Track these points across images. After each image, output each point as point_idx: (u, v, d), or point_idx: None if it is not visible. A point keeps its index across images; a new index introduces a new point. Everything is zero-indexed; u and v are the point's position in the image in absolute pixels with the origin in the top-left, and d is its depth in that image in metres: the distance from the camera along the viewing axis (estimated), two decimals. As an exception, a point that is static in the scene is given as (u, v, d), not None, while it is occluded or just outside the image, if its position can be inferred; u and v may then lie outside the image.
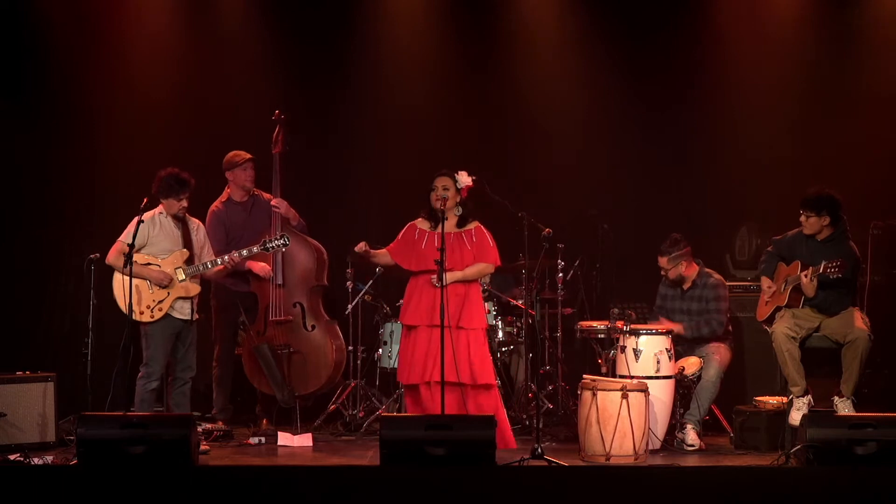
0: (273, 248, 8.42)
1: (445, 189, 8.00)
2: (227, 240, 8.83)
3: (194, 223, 8.48)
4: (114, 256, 8.23)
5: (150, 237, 8.25)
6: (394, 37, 10.26)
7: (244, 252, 8.44)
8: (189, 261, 8.31)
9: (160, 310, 8.21)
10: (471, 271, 8.00)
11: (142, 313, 8.17)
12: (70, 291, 9.17)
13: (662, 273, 8.73)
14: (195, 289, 8.33)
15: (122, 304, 8.21)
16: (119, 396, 8.08)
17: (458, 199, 8.03)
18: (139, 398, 8.21)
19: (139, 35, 10.01)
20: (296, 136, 9.11)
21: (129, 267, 7.88)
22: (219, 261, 8.36)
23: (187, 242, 8.36)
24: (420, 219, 8.13)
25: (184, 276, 8.26)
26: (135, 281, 8.04)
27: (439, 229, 7.92)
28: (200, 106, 9.99)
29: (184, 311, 8.29)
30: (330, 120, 10.22)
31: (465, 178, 8.02)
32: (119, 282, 8.24)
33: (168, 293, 8.23)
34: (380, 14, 10.24)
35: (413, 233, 8.09)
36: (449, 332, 7.71)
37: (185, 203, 8.30)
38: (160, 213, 8.32)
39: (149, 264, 8.20)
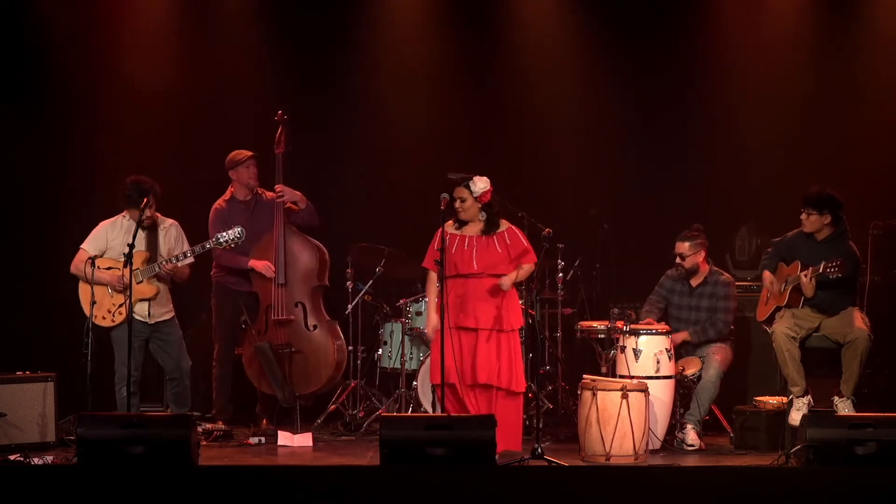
0: (226, 241, 8.33)
1: (463, 200, 7.88)
2: (229, 238, 8.84)
3: (167, 223, 8.47)
4: (76, 266, 8.29)
5: (110, 240, 8.27)
6: (394, 37, 10.27)
7: (197, 248, 8.41)
8: (149, 262, 8.29)
9: (120, 313, 8.21)
10: (523, 273, 7.91)
11: (103, 318, 8.19)
12: (70, 291, 9.15)
13: (678, 261, 8.68)
14: (152, 289, 8.29)
15: (87, 311, 8.24)
16: (99, 402, 8.10)
17: (479, 206, 7.89)
18: (118, 405, 8.24)
19: (139, 35, 10.02)
20: (296, 137, 9.11)
21: (129, 266, 7.87)
22: (173, 259, 8.33)
23: (152, 244, 8.34)
24: (449, 222, 7.97)
25: (140, 278, 8.25)
26: (95, 286, 8.13)
27: (465, 231, 7.91)
28: (201, 106, 10.00)
29: (142, 314, 8.28)
30: (330, 120, 10.22)
31: (480, 184, 7.84)
32: (83, 289, 8.27)
33: (126, 297, 8.19)
34: (380, 15, 10.24)
35: (443, 238, 7.96)
36: (486, 335, 7.78)
37: (148, 212, 8.24)
38: (124, 216, 8.34)
39: (110, 268, 8.19)
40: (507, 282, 7.83)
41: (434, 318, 7.90)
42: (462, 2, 10.29)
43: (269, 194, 9.00)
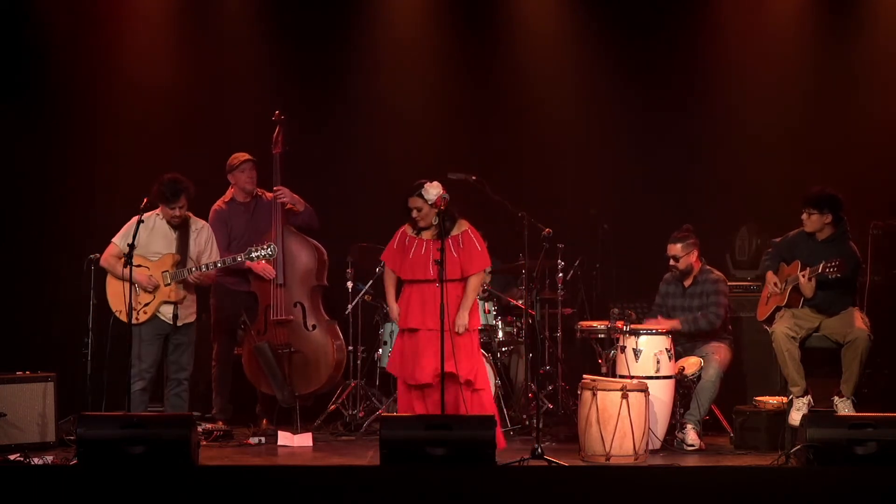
0: (257, 257, 8.34)
1: (418, 210, 7.81)
2: (229, 239, 8.84)
3: (199, 224, 8.46)
4: (106, 260, 8.27)
5: (142, 238, 8.26)
6: (394, 36, 10.27)
7: (228, 260, 8.41)
8: (179, 265, 8.29)
9: (145, 312, 8.21)
10: (471, 295, 7.82)
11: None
12: (70, 291, 9.16)
13: (672, 263, 8.69)
14: (179, 293, 8.28)
15: (113, 306, 8.26)
16: (99, 403, 8.11)
17: (434, 213, 7.79)
18: (130, 399, 8.24)
19: (139, 36, 10.02)
20: (297, 137, 9.11)
21: (128, 266, 7.87)
22: (203, 268, 8.33)
23: (183, 246, 8.33)
24: (408, 225, 7.95)
25: (169, 281, 8.25)
26: (123, 282, 8.10)
27: (423, 235, 7.86)
28: (201, 106, 10.00)
29: (167, 315, 8.28)
30: (330, 120, 10.22)
31: (433, 191, 7.73)
32: (111, 284, 8.27)
33: (153, 297, 8.23)
34: (380, 15, 10.24)
35: (404, 239, 7.95)
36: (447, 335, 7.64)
37: (177, 212, 8.26)
38: (157, 214, 8.32)
39: (139, 266, 8.18)
40: (461, 326, 7.74)
41: (395, 308, 7.93)
42: (462, 2, 10.29)
43: (269, 195, 9.00)
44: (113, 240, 8.34)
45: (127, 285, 7.93)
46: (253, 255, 8.33)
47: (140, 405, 8.16)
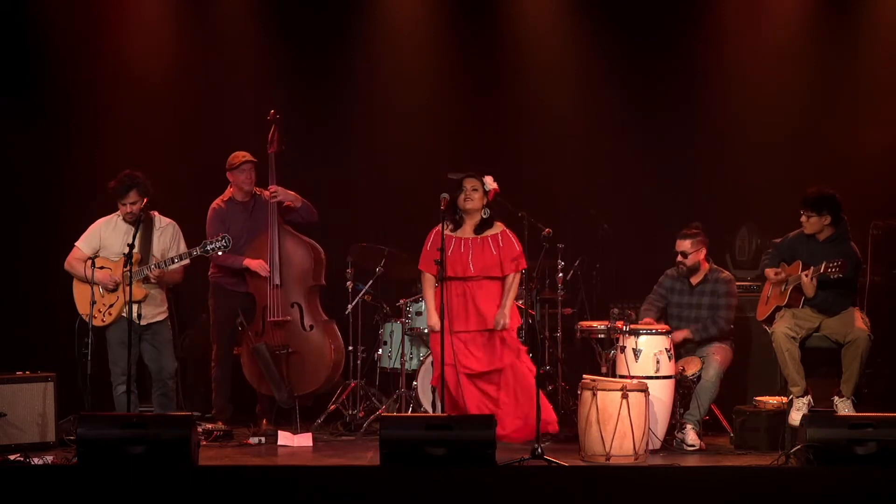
0: (213, 249, 8.23)
1: (475, 190, 8.02)
2: (226, 238, 8.82)
3: (163, 223, 8.40)
4: (70, 263, 8.28)
5: (104, 239, 8.23)
6: (394, 36, 10.27)
7: (184, 255, 8.31)
8: (140, 264, 8.19)
9: (110, 314, 8.18)
10: (511, 294, 8.03)
11: (94, 317, 8.17)
12: (70, 291, 9.15)
13: (680, 259, 8.67)
14: (140, 292, 8.14)
15: (79, 309, 8.23)
16: (99, 402, 8.10)
17: (484, 202, 8.05)
18: (115, 404, 8.23)
19: (139, 36, 10.02)
20: (297, 137, 9.09)
21: (129, 267, 7.86)
22: (162, 265, 8.23)
23: (145, 245, 8.26)
24: (442, 223, 7.97)
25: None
26: (88, 286, 8.13)
27: (459, 233, 8.01)
28: (201, 106, 10.00)
29: (132, 315, 8.25)
30: (331, 120, 10.22)
31: (491, 182, 8.02)
32: (77, 287, 8.26)
33: (117, 297, 8.19)
34: (381, 15, 10.24)
35: (437, 241, 7.94)
36: (487, 335, 7.97)
37: (129, 208, 8.17)
38: (118, 215, 8.30)
39: (103, 267, 8.16)
40: (501, 321, 7.97)
41: (435, 318, 7.98)
42: (463, 3, 10.29)
43: (266, 194, 8.99)
44: (77, 243, 8.33)
45: (93, 288, 8.01)
46: (208, 247, 8.24)
47: (125, 408, 8.09)
